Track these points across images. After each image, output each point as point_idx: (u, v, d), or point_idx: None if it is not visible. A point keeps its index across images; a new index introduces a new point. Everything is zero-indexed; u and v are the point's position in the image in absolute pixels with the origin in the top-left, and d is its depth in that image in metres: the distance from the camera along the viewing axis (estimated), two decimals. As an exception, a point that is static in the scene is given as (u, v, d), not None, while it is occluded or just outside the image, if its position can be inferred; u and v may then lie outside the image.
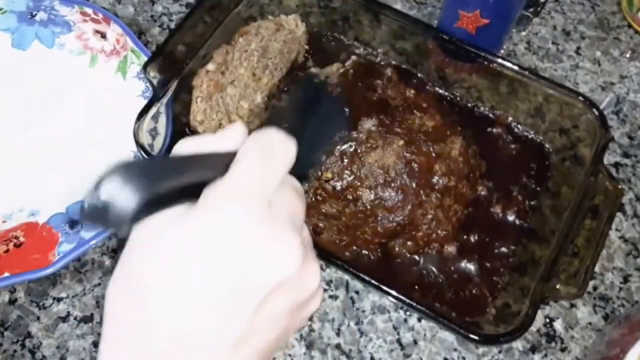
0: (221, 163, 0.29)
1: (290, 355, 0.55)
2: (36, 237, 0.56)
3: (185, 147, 0.30)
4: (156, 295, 0.25)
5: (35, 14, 0.66)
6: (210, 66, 0.59)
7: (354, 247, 0.56)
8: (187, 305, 0.25)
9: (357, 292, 0.58)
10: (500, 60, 0.59)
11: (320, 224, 0.56)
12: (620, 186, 0.53)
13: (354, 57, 0.61)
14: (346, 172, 0.54)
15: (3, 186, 0.60)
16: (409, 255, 0.56)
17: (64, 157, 0.61)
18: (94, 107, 0.64)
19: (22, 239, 0.56)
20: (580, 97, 0.56)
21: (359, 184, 0.53)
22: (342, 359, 0.55)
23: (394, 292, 0.49)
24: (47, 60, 0.66)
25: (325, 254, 0.51)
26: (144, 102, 0.63)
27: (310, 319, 0.56)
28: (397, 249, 0.56)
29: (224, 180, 0.27)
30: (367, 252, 0.56)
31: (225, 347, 0.25)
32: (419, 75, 0.65)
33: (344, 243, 0.56)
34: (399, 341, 0.56)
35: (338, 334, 0.56)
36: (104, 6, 0.71)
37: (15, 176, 0.60)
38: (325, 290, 0.58)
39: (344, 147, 0.54)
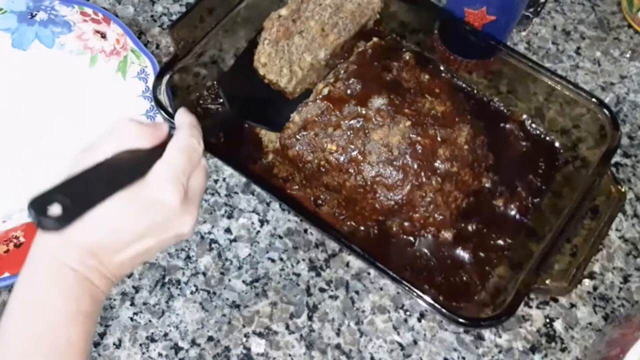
0: (143, 157, 0.42)
1: (290, 355, 0.55)
2: (36, 237, 0.56)
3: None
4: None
5: (35, 14, 0.66)
6: (284, 11, 0.60)
7: (352, 222, 0.57)
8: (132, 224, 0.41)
9: (357, 292, 0.58)
10: (520, 58, 0.59)
11: (322, 196, 0.58)
12: (623, 189, 0.53)
13: (375, 39, 0.62)
14: (351, 146, 0.54)
15: (3, 186, 0.60)
16: (405, 237, 0.57)
17: (64, 157, 0.61)
18: (94, 107, 0.64)
19: (22, 239, 0.56)
20: (593, 99, 0.57)
21: (361, 158, 0.54)
22: (342, 359, 0.55)
23: (380, 265, 0.49)
24: (47, 60, 0.66)
25: (323, 225, 0.52)
26: (144, 102, 0.63)
27: (310, 318, 0.56)
28: (394, 228, 0.56)
29: (159, 169, 0.42)
30: (364, 229, 0.57)
31: (135, 235, 0.41)
32: (438, 63, 0.66)
33: (343, 217, 0.57)
34: (399, 341, 0.56)
35: (338, 334, 0.56)
36: (104, 6, 0.71)
37: (15, 176, 0.60)
38: (325, 290, 0.58)
39: (352, 122, 0.54)
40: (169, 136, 0.44)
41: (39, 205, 0.36)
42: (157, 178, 0.41)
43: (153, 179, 0.41)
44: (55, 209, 0.36)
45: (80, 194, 0.38)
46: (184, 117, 0.46)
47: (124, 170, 0.41)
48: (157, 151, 0.42)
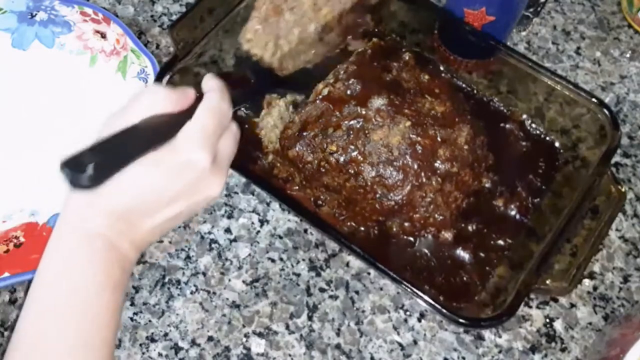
0: (171, 122, 0.42)
1: (290, 355, 0.55)
2: (36, 237, 0.56)
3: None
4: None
5: (35, 14, 0.66)
6: None
7: (352, 223, 0.57)
8: (164, 186, 0.42)
9: (357, 292, 0.58)
10: (520, 58, 0.59)
11: (322, 197, 0.58)
12: (623, 189, 0.53)
13: (374, 39, 0.61)
14: (351, 146, 0.54)
15: (3, 186, 0.60)
16: (405, 237, 0.57)
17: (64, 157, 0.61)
18: (93, 107, 0.64)
19: (22, 239, 0.56)
20: (593, 99, 0.57)
21: (361, 159, 0.54)
22: (342, 359, 0.55)
23: (380, 265, 0.50)
24: (47, 60, 0.66)
25: (323, 225, 0.52)
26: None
27: (310, 318, 0.56)
28: (394, 229, 0.57)
29: (190, 129, 0.42)
30: (364, 229, 0.57)
31: (168, 197, 0.42)
32: (438, 64, 0.66)
33: (343, 218, 0.57)
34: (399, 341, 0.56)
35: (338, 334, 0.56)
36: (104, 6, 0.71)
37: (15, 176, 0.60)
38: (325, 290, 0.58)
39: (352, 122, 0.54)
40: (197, 100, 0.44)
41: (72, 164, 0.37)
42: (187, 138, 0.41)
43: (183, 139, 0.41)
44: (88, 168, 0.38)
45: (111, 154, 0.39)
46: (213, 82, 0.46)
47: (153, 133, 0.41)
48: (185, 115, 0.43)
